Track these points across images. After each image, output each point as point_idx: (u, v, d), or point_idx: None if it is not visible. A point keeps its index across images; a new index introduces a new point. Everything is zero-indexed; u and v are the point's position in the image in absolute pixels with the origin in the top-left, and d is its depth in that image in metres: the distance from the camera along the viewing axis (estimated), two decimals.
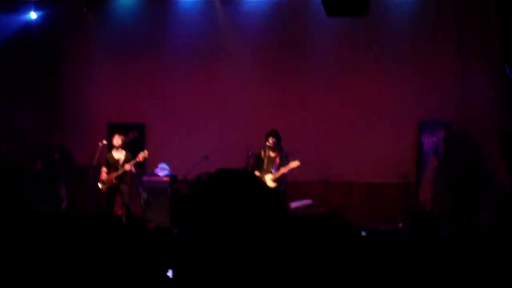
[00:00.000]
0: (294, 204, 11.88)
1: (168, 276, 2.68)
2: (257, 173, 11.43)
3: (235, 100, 13.73)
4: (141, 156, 11.99)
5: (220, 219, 1.57)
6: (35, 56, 14.02)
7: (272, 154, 11.60)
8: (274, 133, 11.57)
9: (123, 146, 12.23)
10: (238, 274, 1.54)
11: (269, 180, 11.38)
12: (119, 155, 12.17)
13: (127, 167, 11.89)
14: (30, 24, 14.04)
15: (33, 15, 13.98)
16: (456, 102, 12.50)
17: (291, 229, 1.71)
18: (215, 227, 1.57)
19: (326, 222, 1.84)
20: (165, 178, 12.43)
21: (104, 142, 12.57)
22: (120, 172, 11.97)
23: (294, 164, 11.35)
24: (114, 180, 12.01)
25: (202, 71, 14.00)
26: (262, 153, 11.66)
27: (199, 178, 1.69)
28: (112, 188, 12.07)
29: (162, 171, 12.64)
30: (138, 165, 12.20)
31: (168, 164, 12.75)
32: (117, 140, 12.16)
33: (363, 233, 8.57)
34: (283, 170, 11.42)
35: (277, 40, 13.77)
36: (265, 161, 11.59)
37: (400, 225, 11.28)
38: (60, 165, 13.27)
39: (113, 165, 12.11)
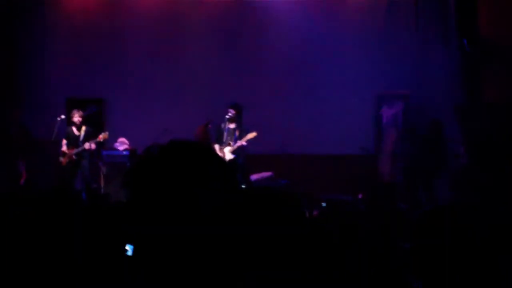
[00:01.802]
0: (254, 177, 11.94)
1: (127, 252, 2.66)
2: (216, 145, 11.50)
3: (195, 74, 13.66)
4: (101, 137, 11.97)
5: (171, 191, 1.52)
6: None
7: (231, 126, 11.64)
8: (234, 105, 11.63)
9: (83, 122, 12.13)
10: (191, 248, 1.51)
11: (227, 152, 11.43)
12: (79, 131, 12.08)
13: (87, 145, 11.85)
14: None
15: None
16: (415, 75, 12.64)
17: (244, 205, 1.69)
18: (166, 200, 1.52)
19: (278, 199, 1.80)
20: (124, 153, 12.38)
21: (63, 116, 12.48)
22: (80, 149, 11.91)
23: (251, 135, 11.43)
24: (73, 156, 11.96)
25: (161, 44, 13.88)
26: (222, 125, 11.70)
27: (148, 150, 1.60)
28: (72, 163, 12.01)
29: (122, 145, 12.57)
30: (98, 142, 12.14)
31: (128, 138, 12.68)
32: (76, 116, 12.06)
33: (323, 204, 8.70)
34: (241, 141, 11.48)
35: (236, 10, 13.70)
36: (225, 133, 11.62)
37: (360, 196, 11.43)
38: (18, 141, 13.08)
39: (73, 140, 12.04)
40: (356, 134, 12.84)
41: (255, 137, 11.43)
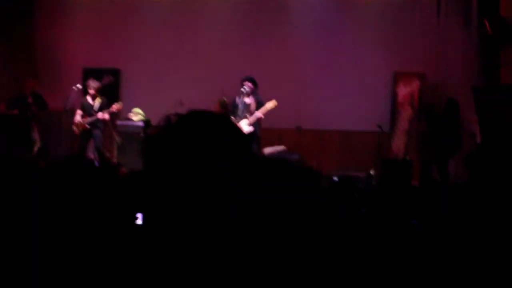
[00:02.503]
0: (267, 150, 11.94)
1: (137, 222, 2.66)
2: (232, 118, 11.49)
3: (210, 47, 13.62)
4: (115, 107, 12.03)
5: (191, 162, 1.52)
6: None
7: (247, 99, 11.60)
8: (249, 78, 11.56)
9: (98, 92, 12.17)
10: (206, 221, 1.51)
11: (244, 125, 11.37)
12: (94, 100, 12.13)
13: (100, 115, 11.90)
14: None
15: None
16: (433, 54, 12.54)
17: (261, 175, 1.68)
18: (186, 171, 1.52)
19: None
20: (139, 123, 12.41)
21: (79, 86, 12.52)
22: (93, 119, 11.97)
23: (271, 104, 11.35)
24: (87, 125, 12.02)
25: (178, 16, 13.85)
26: (237, 99, 11.65)
27: (168, 119, 1.59)
28: (85, 132, 12.09)
29: (136, 115, 12.60)
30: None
31: (142, 109, 12.71)
32: (92, 86, 12.10)
33: (335, 179, 8.69)
34: (259, 113, 11.42)
35: None
36: (240, 106, 11.57)
37: (372, 173, 11.43)
38: (33, 109, 13.14)
39: (87, 110, 12.11)
40: (372, 111, 12.77)
41: (275, 106, 11.37)
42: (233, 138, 1.57)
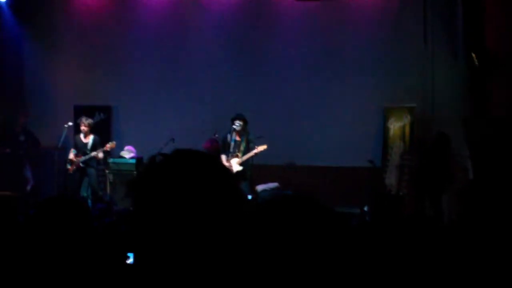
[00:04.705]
0: (260, 187, 11.94)
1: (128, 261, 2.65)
2: (223, 157, 11.48)
3: (202, 83, 13.68)
4: (109, 146, 12.04)
5: (176, 202, 1.51)
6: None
7: (238, 137, 11.63)
8: (240, 117, 11.61)
9: (90, 130, 12.18)
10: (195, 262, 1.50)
11: (235, 163, 11.40)
12: (86, 139, 12.13)
13: (94, 154, 11.92)
14: None
15: None
16: (423, 88, 12.64)
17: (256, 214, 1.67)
18: (170, 211, 1.50)
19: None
20: (131, 161, 12.42)
21: (70, 124, 12.55)
22: (87, 157, 11.96)
23: (261, 148, 11.39)
24: (80, 164, 12.01)
25: (169, 53, 13.91)
26: (228, 136, 11.69)
27: (153, 159, 1.59)
28: (79, 171, 12.06)
29: (129, 153, 12.61)
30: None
31: (134, 146, 12.72)
32: (84, 123, 12.10)
33: None
34: (251, 153, 11.45)
35: (244, 22, 13.74)
36: (232, 144, 11.61)
37: (366, 209, 11.40)
38: (25, 147, 13.13)
39: (80, 148, 12.10)
40: (363, 146, 12.81)
41: (265, 150, 11.42)
42: (219, 178, 1.57)
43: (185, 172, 1.54)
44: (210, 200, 1.51)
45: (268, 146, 11.34)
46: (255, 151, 11.40)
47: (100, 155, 12.00)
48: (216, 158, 1.65)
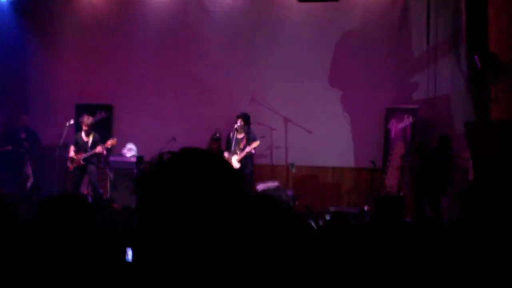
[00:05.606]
0: (260, 186, 11.97)
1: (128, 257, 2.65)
2: (226, 154, 11.70)
3: (204, 82, 13.67)
4: (109, 143, 12.04)
5: (183, 200, 1.52)
6: (1, 36, 13.87)
7: (239, 135, 11.84)
8: (242, 115, 11.83)
9: (92, 128, 12.18)
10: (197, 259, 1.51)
11: (234, 161, 11.58)
12: (88, 136, 12.12)
13: (98, 149, 11.88)
14: None
15: None
16: (425, 89, 12.65)
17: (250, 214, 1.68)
18: (177, 209, 1.52)
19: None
20: (132, 159, 12.42)
21: (71, 121, 12.56)
22: (89, 154, 11.95)
23: (255, 144, 11.72)
24: (81, 161, 11.99)
25: (171, 51, 13.91)
26: (231, 134, 11.91)
27: (160, 157, 1.60)
28: (80, 168, 12.05)
29: (129, 151, 12.62)
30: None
31: (135, 145, 12.72)
32: (86, 122, 12.09)
33: (327, 217, 8.68)
34: (246, 150, 11.63)
35: (246, 23, 13.73)
36: (233, 142, 11.82)
37: (366, 209, 11.42)
38: (27, 145, 13.16)
39: (81, 146, 12.08)
40: (364, 147, 12.82)
41: (258, 146, 11.69)
42: (225, 176, 1.58)
43: (194, 170, 1.55)
44: (217, 198, 1.52)
45: (269, 146, 11.41)
46: (248, 148, 11.60)
47: (103, 150, 11.98)
48: (220, 156, 1.67)
